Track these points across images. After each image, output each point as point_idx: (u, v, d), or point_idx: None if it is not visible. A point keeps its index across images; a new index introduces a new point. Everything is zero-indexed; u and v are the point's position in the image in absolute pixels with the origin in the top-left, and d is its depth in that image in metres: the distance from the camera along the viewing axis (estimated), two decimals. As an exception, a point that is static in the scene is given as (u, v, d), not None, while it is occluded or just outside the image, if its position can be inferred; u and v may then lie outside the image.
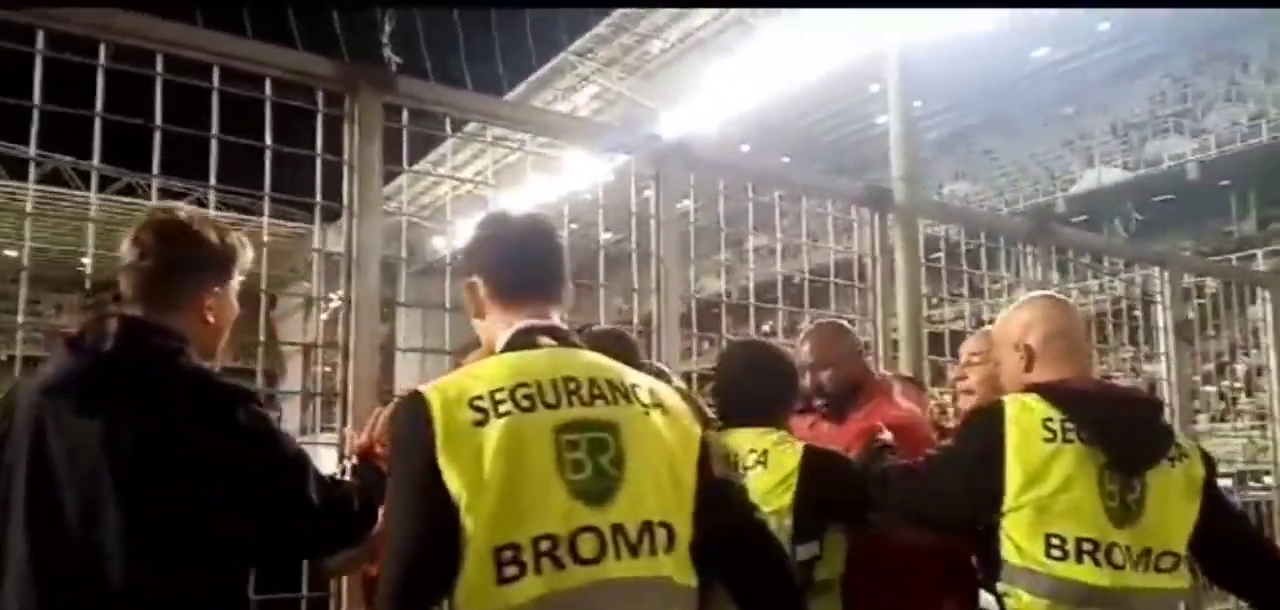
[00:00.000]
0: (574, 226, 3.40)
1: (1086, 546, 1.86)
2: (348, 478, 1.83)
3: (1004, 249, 4.48)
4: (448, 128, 2.99)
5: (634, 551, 1.41)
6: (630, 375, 1.56)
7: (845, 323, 3.12)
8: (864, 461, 2.25)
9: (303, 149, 2.60)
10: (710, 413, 2.46)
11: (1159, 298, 4.77)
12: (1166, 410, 4.47)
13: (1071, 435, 1.90)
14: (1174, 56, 28.54)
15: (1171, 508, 1.94)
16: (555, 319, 1.61)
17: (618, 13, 23.92)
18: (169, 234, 1.69)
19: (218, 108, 2.48)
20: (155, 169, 2.48)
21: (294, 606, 2.37)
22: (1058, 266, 5.05)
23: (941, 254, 4.11)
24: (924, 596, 2.39)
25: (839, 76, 22.03)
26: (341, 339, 2.49)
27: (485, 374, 1.47)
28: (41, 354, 1.75)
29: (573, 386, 1.46)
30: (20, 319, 2.55)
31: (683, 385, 2.54)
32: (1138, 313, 5.30)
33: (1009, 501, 1.91)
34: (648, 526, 1.43)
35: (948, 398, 4.29)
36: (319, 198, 2.66)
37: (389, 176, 2.73)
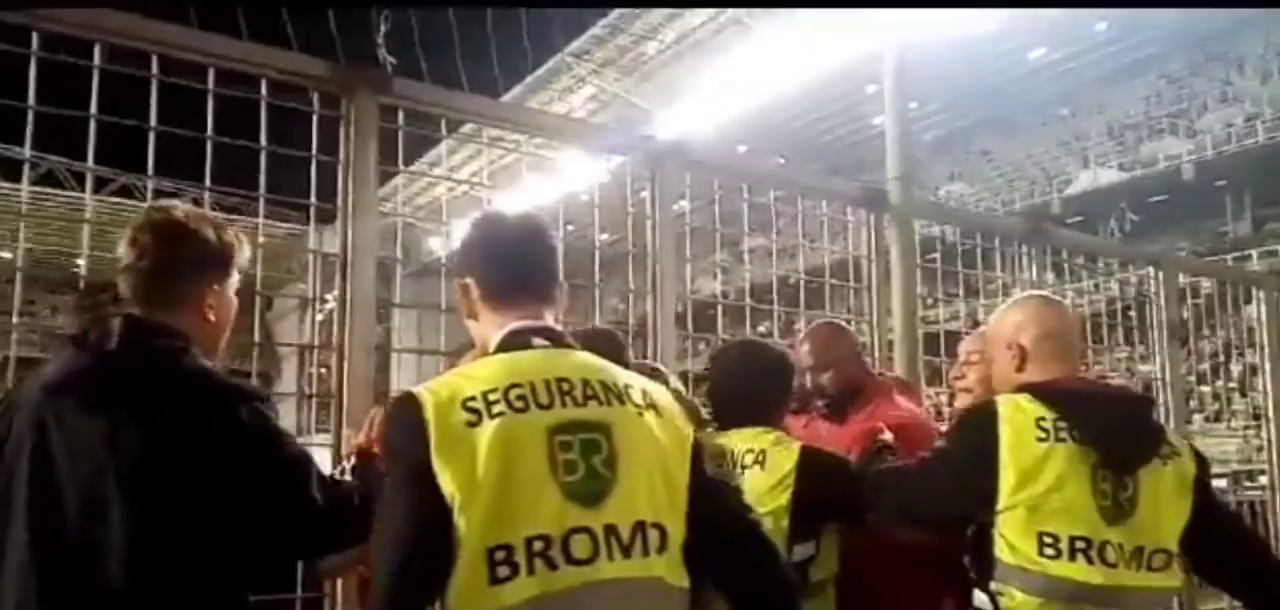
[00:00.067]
0: (570, 227, 3.40)
1: (1079, 545, 1.87)
2: (348, 478, 1.83)
3: (999, 249, 4.48)
4: (443, 129, 2.98)
5: (626, 552, 1.41)
6: (623, 376, 1.56)
7: (842, 324, 3.13)
8: (863, 462, 2.25)
9: (298, 150, 2.59)
10: (705, 413, 2.47)
11: (1154, 298, 4.78)
12: (1159, 410, 4.49)
13: (1064, 434, 1.91)
14: (1169, 58, 28.61)
15: (1163, 506, 1.95)
16: (548, 319, 1.61)
17: (614, 14, 23.89)
18: (167, 234, 1.69)
19: (213, 109, 2.48)
20: (150, 170, 2.48)
21: (289, 607, 2.37)
22: (1053, 267, 5.05)
23: (937, 254, 4.11)
24: (921, 597, 2.39)
25: (835, 77, 22.07)
26: (337, 340, 2.49)
27: (478, 375, 1.47)
28: (36, 355, 1.75)
29: (566, 387, 1.47)
30: (15, 320, 2.54)
31: (680, 385, 2.54)
32: (1133, 313, 5.31)
33: (1003, 501, 1.92)
34: (640, 527, 1.43)
35: (943, 397, 4.29)
36: (314, 199, 2.66)
37: (384, 178, 2.73)
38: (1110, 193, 26.69)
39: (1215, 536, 2.06)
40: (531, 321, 1.58)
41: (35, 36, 2.25)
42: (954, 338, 3.59)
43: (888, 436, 2.31)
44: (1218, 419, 17.62)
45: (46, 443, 1.54)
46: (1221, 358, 15.33)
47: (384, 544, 1.40)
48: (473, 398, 1.42)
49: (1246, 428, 14.27)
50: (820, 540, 2.16)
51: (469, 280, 1.65)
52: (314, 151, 2.60)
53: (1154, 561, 1.91)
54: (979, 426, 1.99)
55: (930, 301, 4.73)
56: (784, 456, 2.14)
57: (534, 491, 1.39)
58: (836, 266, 3.93)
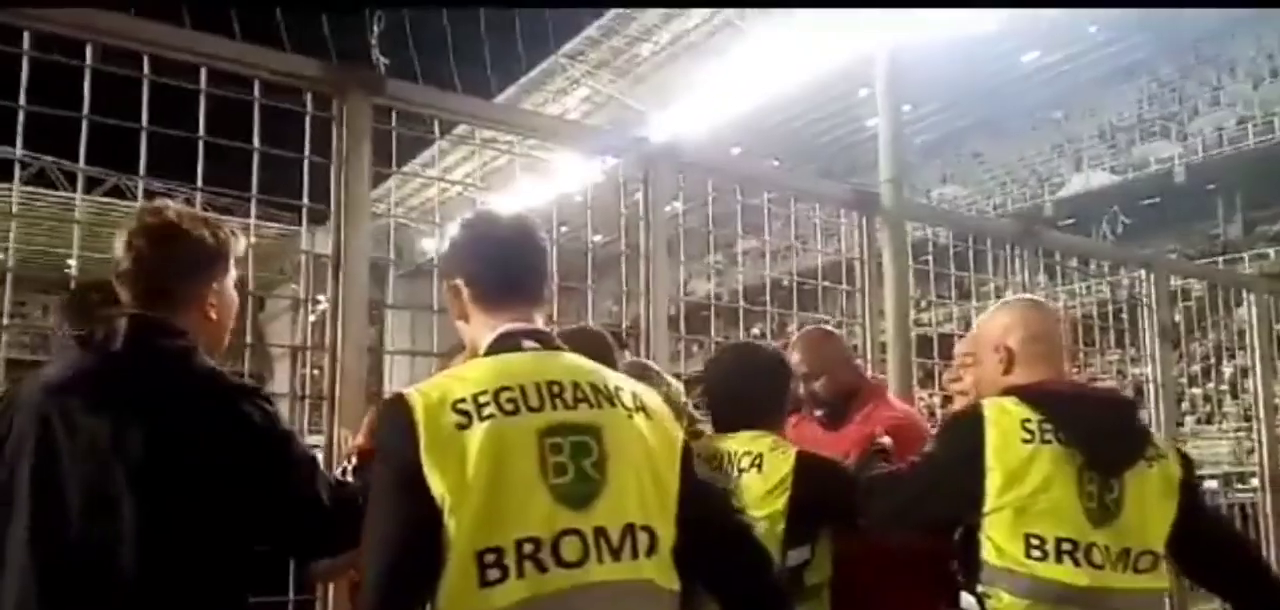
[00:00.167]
0: (564, 229, 3.40)
1: (1066, 546, 1.87)
2: (350, 479, 1.83)
3: (991, 252, 4.49)
4: (437, 130, 2.98)
5: (616, 555, 1.41)
6: (613, 378, 1.57)
7: (831, 328, 3.13)
8: (859, 467, 2.26)
9: (290, 151, 2.59)
10: (698, 415, 2.47)
11: (1146, 300, 4.80)
12: (1150, 412, 4.51)
13: (1049, 436, 1.92)
14: (1161, 61, 28.75)
15: (1149, 507, 1.96)
16: (538, 321, 1.61)
17: (609, 15, 23.92)
18: (164, 237, 1.69)
19: (205, 109, 2.47)
20: (142, 170, 2.47)
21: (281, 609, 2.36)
22: (1045, 269, 5.07)
23: (930, 257, 4.11)
24: (914, 601, 2.40)
25: (829, 80, 22.13)
26: (329, 341, 2.48)
27: (469, 377, 1.47)
28: (27, 357, 1.75)
29: (556, 390, 1.47)
30: (4, 321, 2.52)
31: (679, 385, 2.54)
32: (1124, 315, 5.33)
33: (989, 503, 1.92)
34: (630, 529, 1.43)
35: (936, 400, 4.30)
36: (307, 200, 2.65)
37: (378, 179, 2.72)
38: (1102, 195, 26.81)
39: (1202, 539, 2.07)
40: (522, 324, 1.58)
41: (27, 36, 2.25)
42: (946, 340, 3.60)
43: (887, 441, 2.31)
44: (1209, 421, 17.71)
45: (50, 441, 1.54)
46: (1213, 360, 15.40)
47: (374, 546, 1.40)
48: (463, 400, 1.42)
49: (1238, 430, 14.33)
50: (815, 544, 2.16)
51: (459, 281, 1.65)
52: (307, 152, 2.60)
53: (1140, 563, 1.92)
54: (965, 430, 2.00)
55: (923, 304, 4.74)
56: (780, 460, 2.14)
57: (524, 494, 1.39)
58: (829, 269, 3.93)
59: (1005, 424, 1.94)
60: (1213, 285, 5.50)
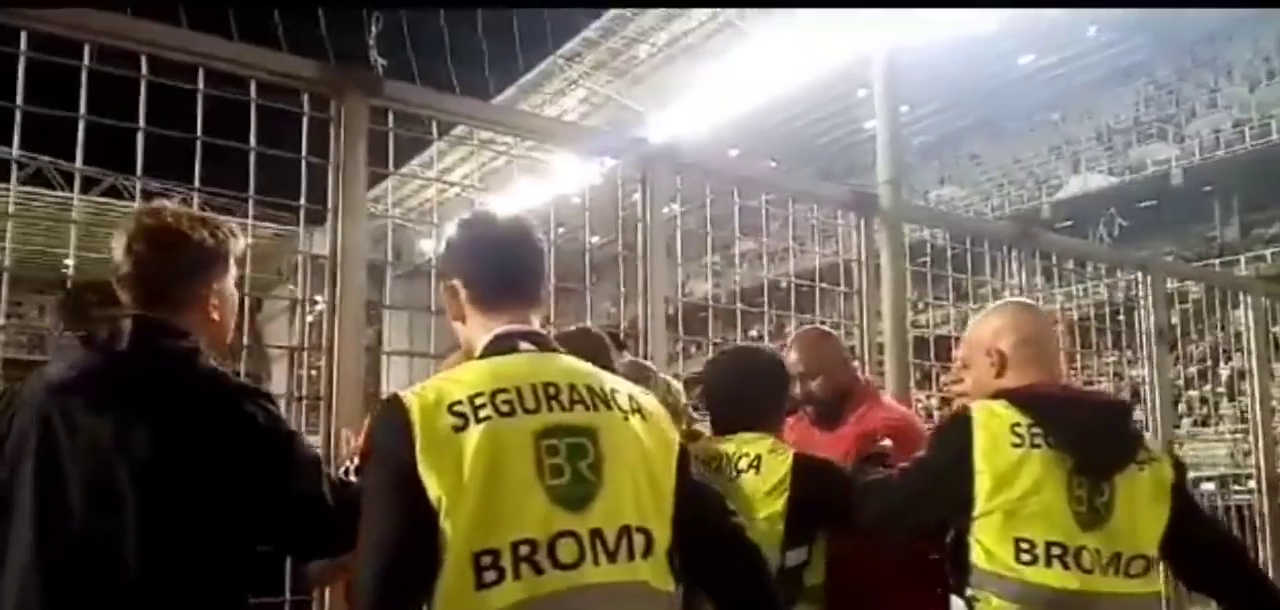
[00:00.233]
0: (561, 230, 3.39)
1: (1055, 550, 1.87)
2: (353, 479, 1.83)
3: (989, 254, 4.49)
4: (434, 131, 2.98)
5: (612, 557, 1.41)
6: (609, 380, 1.57)
7: (828, 329, 3.14)
8: (855, 468, 2.26)
9: (288, 151, 2.58)
10: (697, 416, 2.47)
11: (1142, 303, 4.80)
12: (1146, 414, 4.51)
13: (1039, 440, 1.92)
14: (1158, 64, 28.81)
15: (1140, 511, 1.95)
16: (535, 323, 1.61)
17: (607, 16, 23.94)
18: (163, 239, 1.69)
19: (202, 109, 2.47)
20: (139, 170, 2.47)
21: (277, 610, 2.35)
22: (1042, 271, 5.08)
23: (927, 258, 4.12)
24: (908, 603, 2.40)
25: (827, 81, 22.16)
26: (326, 342, 2.48)
27: (465, 379, 1.47)
28: (22, 357, 1.75)
29: (552, 392, 1.47)
30: (1, 321, 2.52)
31: (679, 385, 2.54)
32: (1121, 318, 5.34)
33: (979, 506, 1.92)
34: (626, 531, 1.43)
35: (934, 401, 4.30)
36: (304, 200, 2.65)
37: (375, 179, 2.72)
38: (1099, 197, 26.86)
39: (1195, 542, 2.07)
40: (518, 325, 1.58)
41: (24, 36, 2.24)
42: (943, 342, 3.60)
43: (888, 444, 2.31)
44: (1206, 423, 17.72)
45: (52, 440, 1.54)
46: (1209, 362, 15.40)
47: (369, 547, 1.40)
48: (459, 402, 1.42)
49: (1234, 432, 14.35)
50: (813, 546, 2.17)
51: (456, 282, 1.65)
52: (304, 153, 2.59)
53: (1131, 567, 1.92)
54: (954, 433, 2.00)
55: (920, 305, 4.74)
56: (779, 462, 2.15)
57: (520, 496, 1.39)
58: (827, 270, 3.93)
59: (994, 427, 1.94)
60: (1209, 287, 5.51)
